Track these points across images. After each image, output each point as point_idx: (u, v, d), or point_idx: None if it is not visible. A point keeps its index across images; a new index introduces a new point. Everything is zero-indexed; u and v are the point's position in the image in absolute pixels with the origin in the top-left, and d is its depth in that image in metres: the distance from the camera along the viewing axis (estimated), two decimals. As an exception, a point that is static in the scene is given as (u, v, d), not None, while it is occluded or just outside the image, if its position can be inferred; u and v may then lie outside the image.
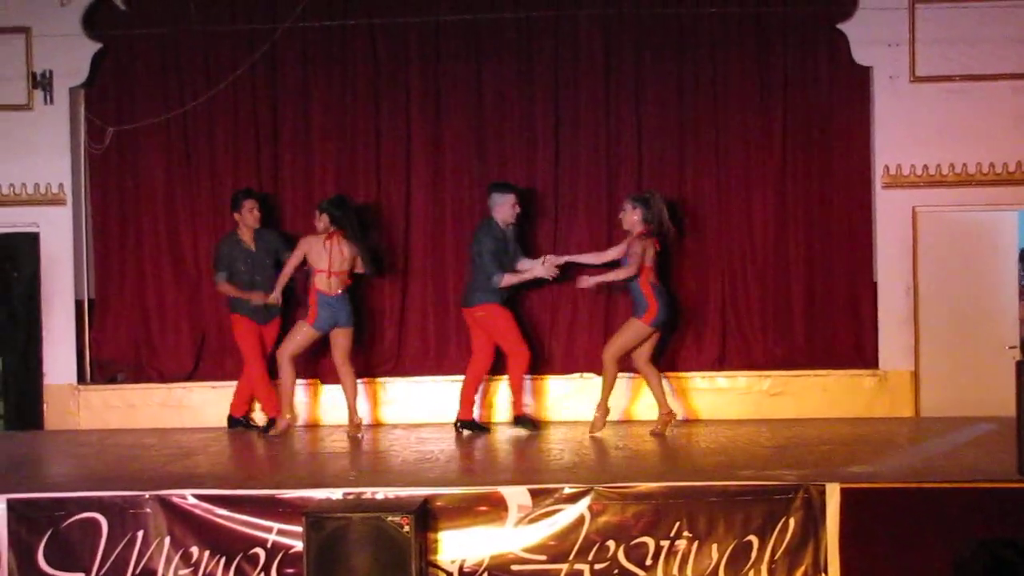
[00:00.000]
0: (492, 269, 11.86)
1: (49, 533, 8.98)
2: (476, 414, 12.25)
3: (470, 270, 12.13)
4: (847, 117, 12.86)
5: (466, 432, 11.95)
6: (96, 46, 13.02)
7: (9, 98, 13.02)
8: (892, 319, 12.65)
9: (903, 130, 12.60)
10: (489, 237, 11.93)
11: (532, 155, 13.04)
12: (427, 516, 8.83)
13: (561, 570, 8.85)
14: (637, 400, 12.62)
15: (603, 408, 11.77)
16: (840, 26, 12.64)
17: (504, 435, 11.95)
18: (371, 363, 12.99)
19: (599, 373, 12.04)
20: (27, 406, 13.26)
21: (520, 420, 12.11)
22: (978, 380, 12.38)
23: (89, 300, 13.28)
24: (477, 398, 12.29)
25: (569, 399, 12.71)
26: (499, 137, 13.07)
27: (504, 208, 12.00)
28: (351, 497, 8.99)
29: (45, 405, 13.06)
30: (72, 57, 12.98)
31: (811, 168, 12.90)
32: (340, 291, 11.92)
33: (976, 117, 12.53)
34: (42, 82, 12.94)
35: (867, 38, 12.59)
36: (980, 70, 12.54)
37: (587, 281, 11.67)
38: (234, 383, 12.72)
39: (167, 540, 8.98)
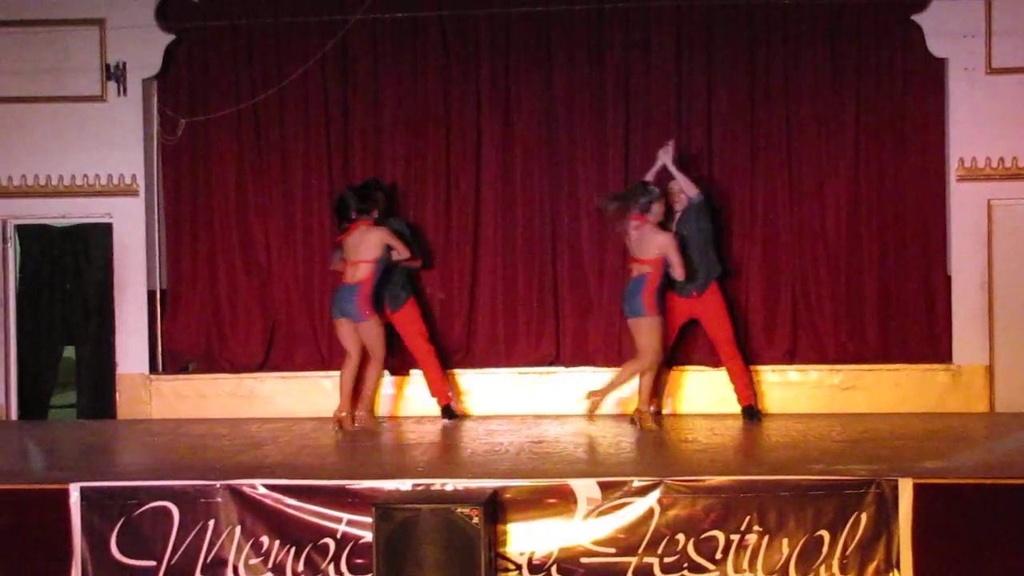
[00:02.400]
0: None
1: (121, 522, 9.03)
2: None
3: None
4: (921, 109, 12.73)
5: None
6: (169, 38, 13.10)
7: (83, 89, 13.14)
8: (966, 313, 12.52)
9: (978, 122, 12.46)
10: None
11: (603, 151, 12.99)
12: (496, 508, 8.81)
13: (631, 563, 8.81)
14: (703, 393, 12.57)
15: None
16: (914, 17, 12.51)
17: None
18: (443, 354, 12.97)
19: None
20: (100, 395, 13.38)
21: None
22: (1054, 375, 12.27)
23: (161, 290, 13.39)
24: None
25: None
26: (569, 129, 13.02)
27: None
28: (420, 488, 8.99)
29: (117, 394, 13.18)
30: (145, 49, 13.06)
31: (884, 161, 12.78)
32: (351, 281, 11.94)
33: (1053, 109, 12.41)
34: (116, 74, 13.05)
35: (942, 29, 12.45)
36: (1057, 61, 12.41)
37: None
38: (304, 373, 12.80)
39: (238, 529, 9.02)
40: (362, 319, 11.91)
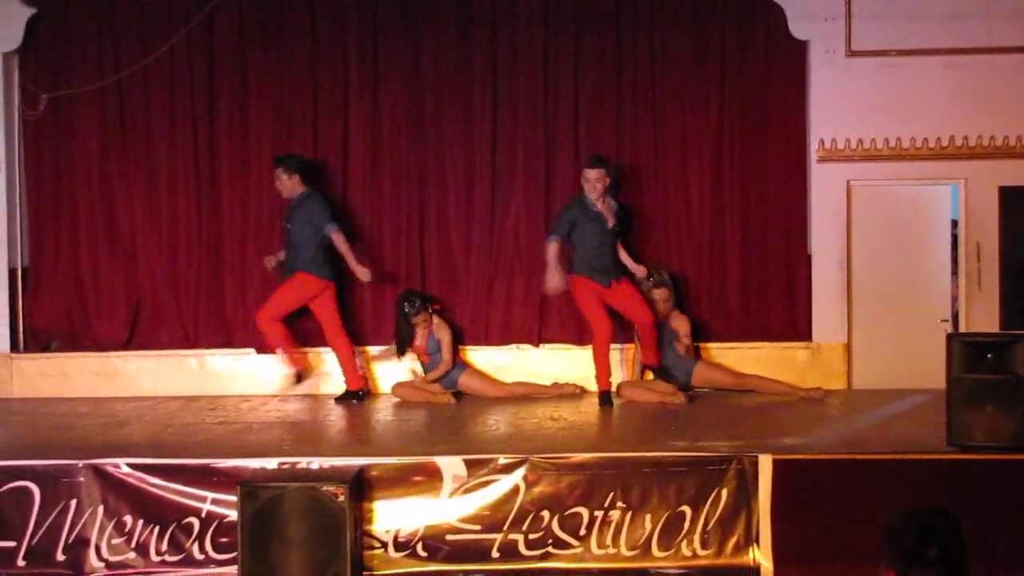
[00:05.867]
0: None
1: (-19, 502, 8.93)
2: None
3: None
4: (783, 91, 12.91)
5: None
6: (31, 11, 12.87)
7: (-59, 63, 12.90)
8: (825, 292, 12.75)
9: (838, 104, 12.67)
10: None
11: (470, 125, 13.01)
12: (362, 486, 8.85)
13: (495, 540, 8.89)
14: (575, 370, 12.68)
15: None
16: (777, 0, 12.68)
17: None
18: (306, 333, 12.92)
19: (534, 344, 12.56)
20: (-40, 375, 13.17)
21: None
22: (910, 353, 12.49)
23: (23, 268, 13.16)
24: None
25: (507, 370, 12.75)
26: (437, 105, 13.03)
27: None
28: (286, 467, 8.99)
29: (-23, 374, 12.98)
30: (6, 21, 12.83)
31: (747, 142, 12.95)
32: None
33: (911, 92, 12.62)
34: (-26, 47, 12.83)
35: (804, 12, 12.64)
36: (916, 45, 12.62)
37: None
38: (169, 352, 12.72)
39: (100, 509, 8.95)
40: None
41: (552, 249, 11.60)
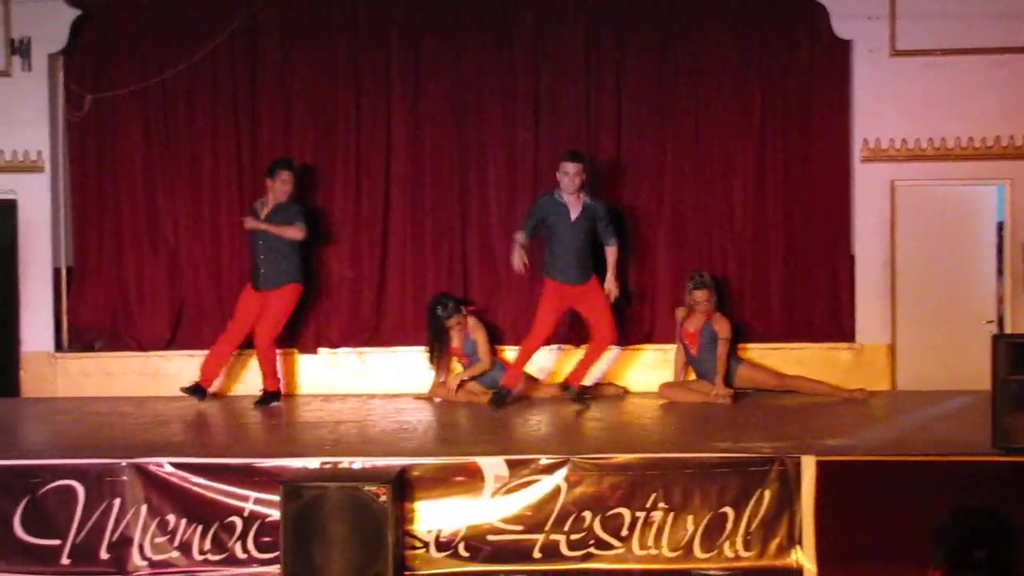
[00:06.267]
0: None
1: (26, 500, 8.95)
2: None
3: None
4: (826, 91, 12.86)
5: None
6: (75, 12, 12.94)
7: (-13, 64, 12.98)
8: (869, 293, 12.68)
9: (882, 104, 12.60)
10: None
11: (511, 130, 13.02)
12: (404, 486, 8.84)
13: (537, 540, 8.87)
14: (618, 372, 12.68)
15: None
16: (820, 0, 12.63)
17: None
18: (350, 333, 12.98)
19: (575, 345, 12.48)
20: (4, 373, 13.20)
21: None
22: (955, 354, 12.43)
23: (67, 268, 13.23)
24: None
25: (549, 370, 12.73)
26: (479, 110, 13.05)
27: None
28: (328, 466, 8.99)
29: (22, 372, 13.04)
30: (51, 24, 12.90)
31: (790, 142, 12.91)
32: None
33: (956, 91, 12.54)
34: (20, 48, 12.87)
35: (847, 11, 12.59)
36: (961, 44, 12.53)
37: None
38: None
39: (144, 508, 8.97)
40: None
41: (517, 239, 11.79)
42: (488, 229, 13.02)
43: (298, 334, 12.90)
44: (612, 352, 12.56)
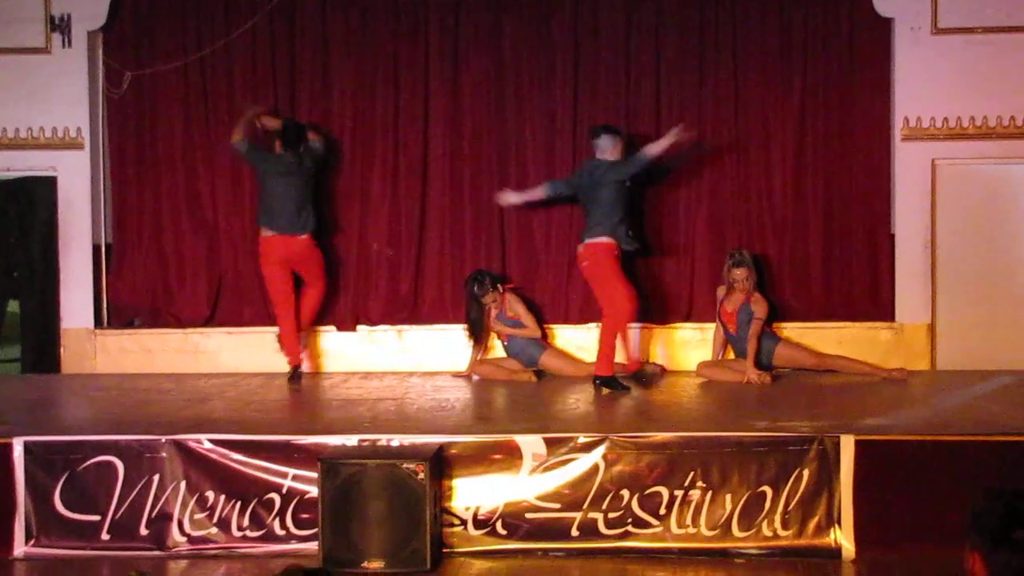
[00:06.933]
0: None
1: (66, 476, 9.00)
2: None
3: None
4: (867, 69, 12.77)
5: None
6: (114, -11, 13.00)
7: (27, 41, 12.98)
8: (909, 272, 12.62)
9: (923, 82, 12.52)
10: None
11: (551, 108, 12.99)
12: (442, 464, 8.85)
13: (575, 518, 8.86)
14: (657, 349, 12.67)
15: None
16: (861, -24, 12.57)
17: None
18: (389, 311, 13.01)
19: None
20: (44, 350, 13.30)
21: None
22: (995, 334, 12.39)
23: (106, 245, 13.28)
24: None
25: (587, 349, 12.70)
26: (518, 88, 13.02)
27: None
28: (366, 444, 9.02)
29: (62, 349, 13.09)
30: (90, 1, 12.94)
31: (830, 120, 12.84)
32: None
33: (998, 69, 12.44)
34: (60, 25, 12.91)
35: (889, -11, 12.53)
36: (1003, 22, 12.42)
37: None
38: (251, 329, 12.77)
39: (183, 484, 9.00)
40: None
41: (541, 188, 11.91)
42: (526, 207, 12.99)
43: (337, 312, 12.92)
44: (655, 331, 12.57)
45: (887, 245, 12.75)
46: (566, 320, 12.87)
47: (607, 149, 11.55)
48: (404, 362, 12.86)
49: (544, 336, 12.58)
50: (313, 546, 8.70)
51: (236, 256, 13.16)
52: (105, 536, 8.98)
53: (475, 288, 12.28)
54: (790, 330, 12.57)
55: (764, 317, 11.96)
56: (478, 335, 12.46)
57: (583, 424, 9.82)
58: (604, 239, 11.37)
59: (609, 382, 11.23)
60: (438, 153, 13.08)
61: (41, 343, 13.37)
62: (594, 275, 11.56)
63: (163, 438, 9.10)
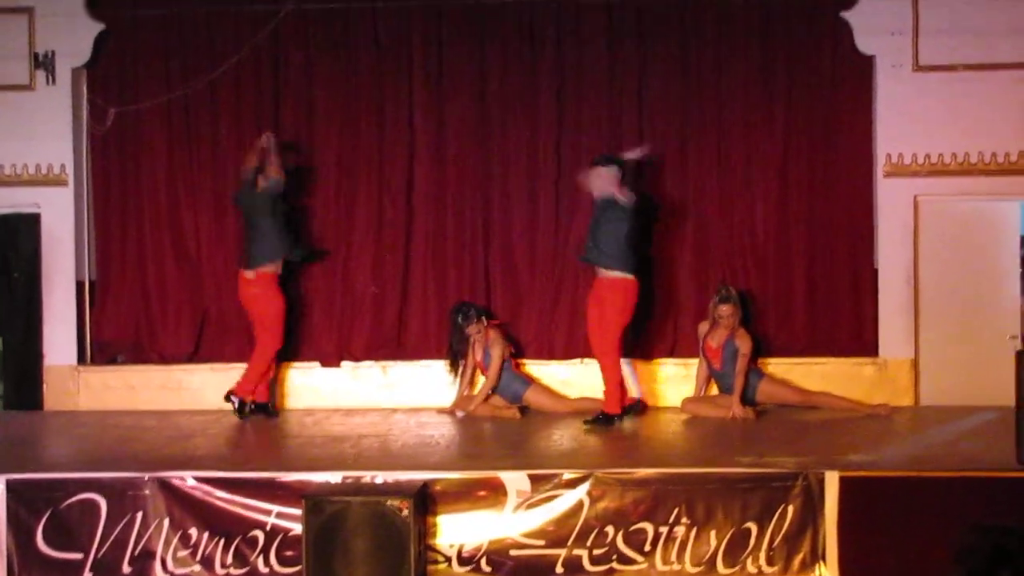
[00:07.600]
0: None
1: (48, 514, 8.97)
2: None
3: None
4: (849, 106, 12.84)
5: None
6: (99, 26, 12.99)
7: (11, 78, 13.00)
8: (892, 307, 12.65)
9: (905, 119, 12.58)
10: None
11: (534, 144, 13.02)
12: (426, 500, 8.84)
13: (560, 555, 8.85)
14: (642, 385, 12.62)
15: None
16: (843, 14, 12.60)
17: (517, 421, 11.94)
18: (373, 346, 13.00)
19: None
20: (27, 387, 13.25)
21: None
22: (978, 369, 12.38)
23: (90, 281, 13.26)
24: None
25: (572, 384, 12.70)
26: (502, 123, 13.05)
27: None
28: (350, 481, 9.00)
29: (45, 386, 13.05)
30: (74, 38, 12.96)
31: (813, 156, 12.89)
32: None
33: (979, 107, 12.51)
34: (44, 63, 12.92)
35: (870, 27, 12.56)
36: (984, 60, 12.49)
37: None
38: (234, 365, 12.74)
39: (166, 522, 8.97)
40: None
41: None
42: (510, 241, 13.02)
43: (321, 347, 12.92)
44: (641, 366, 12.58)
45: (870, 281, 12.78)
46: (551, 355, 12.86)
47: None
48: (388, 397, 12.84)
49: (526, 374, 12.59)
50: (297, 583, 8.67)
51: (220, 292, 13.14)
52: (88, 574, 8.94)
53: (459, 319, 12.28)
54: (774, 366, 12.58)
55: (749, 353, 11.96)
56: (459, 366, 12.45)
57: (568, 460, 9.81)
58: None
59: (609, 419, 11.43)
60: (422, 188, 13.10)
61: (24, 380, 13.32)
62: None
63: (146, 475, 9.07)
